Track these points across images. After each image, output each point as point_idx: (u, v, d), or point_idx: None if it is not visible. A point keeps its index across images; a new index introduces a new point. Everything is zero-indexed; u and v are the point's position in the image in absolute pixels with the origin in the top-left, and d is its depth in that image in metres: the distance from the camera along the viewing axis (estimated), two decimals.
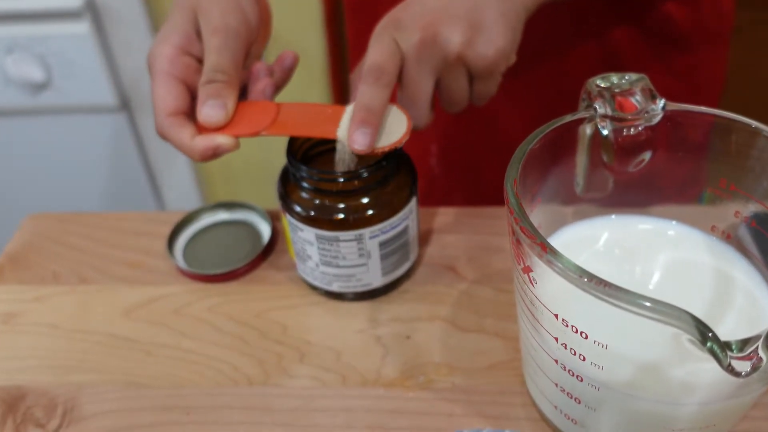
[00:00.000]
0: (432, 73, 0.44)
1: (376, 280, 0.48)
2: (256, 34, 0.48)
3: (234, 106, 0.44)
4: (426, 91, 0.45)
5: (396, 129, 0.43)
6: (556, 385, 0.36)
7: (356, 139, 0.42)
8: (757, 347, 0.26)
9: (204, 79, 0.43)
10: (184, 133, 0.43)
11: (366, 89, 0.43)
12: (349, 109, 0.44)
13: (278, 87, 0.49)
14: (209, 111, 0.43)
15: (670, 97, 0.39)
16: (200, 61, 0.46)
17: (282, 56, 0.49)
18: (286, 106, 0.45)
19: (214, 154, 0.43)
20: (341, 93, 1.11)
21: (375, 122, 0.42)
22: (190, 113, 0.44)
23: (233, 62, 0.44)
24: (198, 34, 0.46)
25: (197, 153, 0.43)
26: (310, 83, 1.13)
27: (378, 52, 0.43)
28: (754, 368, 0.26)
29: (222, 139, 0.43)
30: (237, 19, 0.45)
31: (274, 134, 0.44)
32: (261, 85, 0.47)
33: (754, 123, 0.35)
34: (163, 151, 1.26)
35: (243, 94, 0.47)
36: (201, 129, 0.43)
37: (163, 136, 0.44)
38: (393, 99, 0.45)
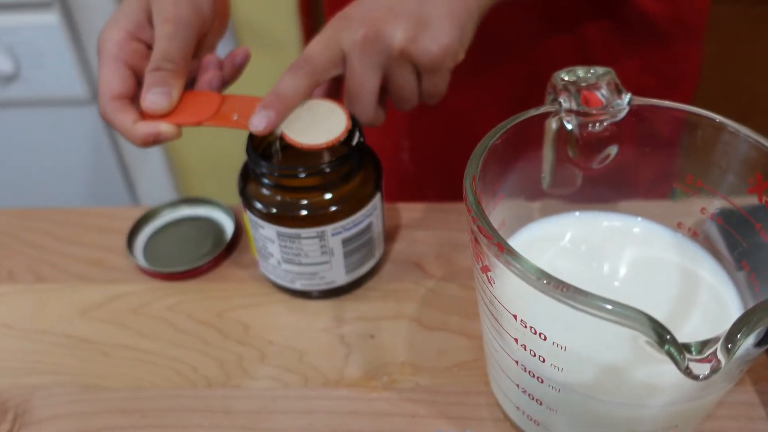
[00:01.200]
0: (375, 68, 0.43)
1: (340, 278, 0.47)
2: (209, 26, 0.47)
3: (179, 95, 0.44)
4: (368, 86, 0.44)
5: (336, 127, 0.43)
6: (518, 386, 0.35)
7: (253, 121, 0.42)
8: (715, 350, 0.25)
9: (151, 66, 0.43)
10: (127, 117, 0.43)
11: (283, 76, 0.43)
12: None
13: (226, 81, 0.48)
14: (153, 98, 0.42)
15: (644, 92, 0.38)
16: (150, 47, 0.45)
17: (234, 53, 0.49)
18: (231, 98, 0.45)
19: (155, 140, 0.43)
20: None
21: (279, 107, 0.42)
22: (134, 98, 0.44)
23: (182, 52, 0.44)
24: (150, 21, 0.45)
25: (138, 138, 0.43)
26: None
27: (311, 44, 0.44)
28: (713, 371, 0.26)
29: (164, 127, 0.43)
30: (190, 9, 0.45)
31: (215, 125, 0.43)
32: (208, 77, 0.46)
33: (718, 117, 0.34)
34: None
35: (192, 85, 0.47)
36: (144, 115, 0.43)
37: (106, 119, 0.43)
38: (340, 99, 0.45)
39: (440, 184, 0.71)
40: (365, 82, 0.44)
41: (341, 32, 0.43)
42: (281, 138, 0.43)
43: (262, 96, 0.43)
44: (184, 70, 0.44)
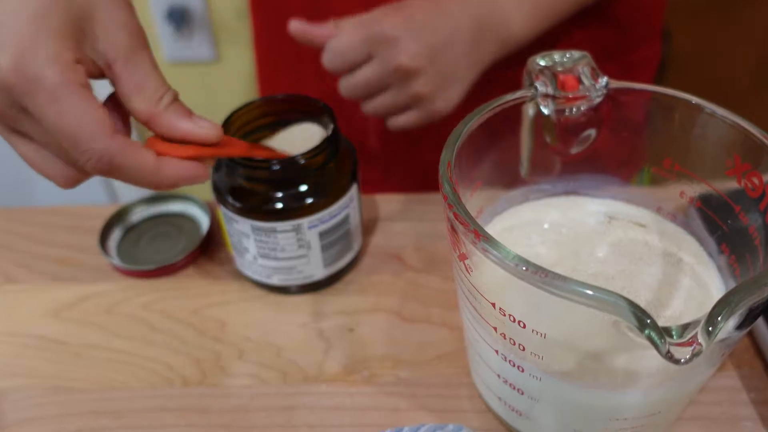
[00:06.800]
0: (381, 84, 0.51)
1: (318, 272, 0.46)
2: None
3: None
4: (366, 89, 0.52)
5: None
6: (499, 376, 0.34)
7: None
8: (696, 333, 0.25)
9: (171, 95, 0.34)
10: (147, 156, 0.33)
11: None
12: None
13: None
14: (206, 124, 0.35)
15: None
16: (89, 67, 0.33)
17: None
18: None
19: (191, 181, 0.35)
20: None
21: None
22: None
23: None
24: (83, 32, 0.32)
25: (170, 180, 0.34)
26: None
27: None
28: (695, 355, 0.25)
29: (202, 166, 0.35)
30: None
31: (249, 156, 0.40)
32: None
33: (694, 99, 0.34)
34: None
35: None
36: (162, 151, 0.34)
37: (114, 164, 0.32)
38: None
39: (407, 166, 0.70)
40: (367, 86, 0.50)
41: (382, 45, 0.48)
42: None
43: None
44: None
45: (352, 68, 0.50)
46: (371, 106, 0.52)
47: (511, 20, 0.51)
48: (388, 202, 0.54)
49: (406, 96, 0.50)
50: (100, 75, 0.34)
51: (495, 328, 0.31)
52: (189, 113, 0.35)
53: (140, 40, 0.34)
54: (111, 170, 0.33)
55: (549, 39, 0.60)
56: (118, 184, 1.29)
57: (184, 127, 0.34)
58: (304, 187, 0.42)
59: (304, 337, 0.44)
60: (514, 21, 0.51)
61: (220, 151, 0.37)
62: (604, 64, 0.60)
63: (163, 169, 0.34)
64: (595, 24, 0.61)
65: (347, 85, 0.51)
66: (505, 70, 0.53)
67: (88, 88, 0.32)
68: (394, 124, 0.53)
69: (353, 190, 0.44)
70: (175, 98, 0.35)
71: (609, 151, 0.39)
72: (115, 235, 0.51)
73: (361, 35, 0.49)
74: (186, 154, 0.35)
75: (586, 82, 0.37)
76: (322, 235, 0.43)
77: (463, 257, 0.30)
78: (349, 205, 0.44)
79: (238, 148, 0.39)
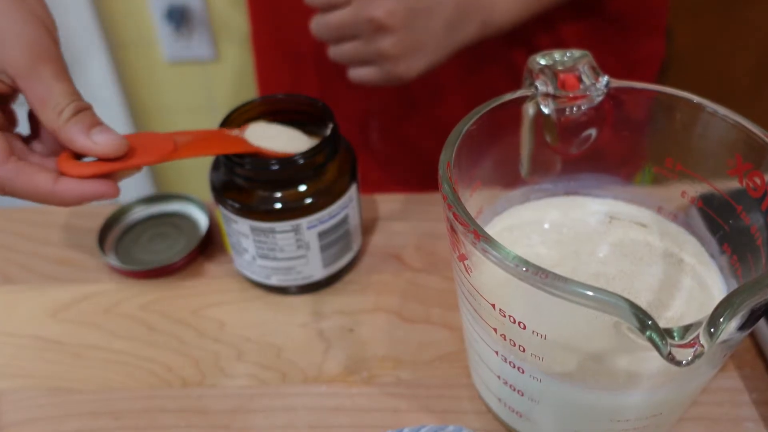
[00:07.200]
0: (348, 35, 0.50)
1: (318, 272, 0.45)
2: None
3: None
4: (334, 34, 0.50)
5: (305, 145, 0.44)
6: (499, 377, 0.34)
7: None
8: (698, 334, 0.25)
9: (73, 109, 0.35)
10: (43, 177, 0.34)
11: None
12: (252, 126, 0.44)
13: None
14: (105, 139, 0.34)
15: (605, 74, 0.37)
16: None
17: None
18: (175, 133, 0.40)
19: (98, 197, 0.36)
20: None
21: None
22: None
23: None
24: None
25: (72, 198, 0.35)
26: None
27: None
28: (696, 356, 0.25)
29: (108, 185, 0.36)
30: (53, 41, 0.35)
31: (178, 158, 0.39)
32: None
33: (696, 98, 0.34)
34: None
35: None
36: (64, 170, 0.35)
37: (6, 189, 0.34)
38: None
39: (407, 166, 0.70)
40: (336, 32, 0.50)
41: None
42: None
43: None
44: None
45: (330, 8, 0.50)
46: (335, 52, 0.52)
47: (496, 4, 0.51)
48: (387, 202, 0.54)
49: (371, 50, 0.49)
50: (13, 91, 0.35)
51: (495, 329, 0.31)
52: (89, 127, 0.35)
53: (41, 52, 0.34)
54: (5, 194, 0.35)
55: (549, 29, 0.60)
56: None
57: (80, 143, 0.34)
58: (303, 187, 0.42)
59: (303, 338, 0.44)
60: (499, 6, 0.51)
61: (127, 163, 0.36)
62: (606, 58, 0.60)
63: (58, 193, 0.34)
64: (595, 17, 0.61)
65: (319, 24, 0.51)
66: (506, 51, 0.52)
67: None
68: (353, 75, 0.52)
69: (352, 190, 0.44)
70: (79, 111, 0.35)
71: (610, 150, 0.39)
72: (114, 235, 0.51)
73: None
74: (85, 173, 0.35)
75: (587, 81, 0.36)
76: (321, 235, 0.43)
77: (462, 258, 0.30)
78: (348, 205, 0.44)
79: (154, 156, 0.37)
